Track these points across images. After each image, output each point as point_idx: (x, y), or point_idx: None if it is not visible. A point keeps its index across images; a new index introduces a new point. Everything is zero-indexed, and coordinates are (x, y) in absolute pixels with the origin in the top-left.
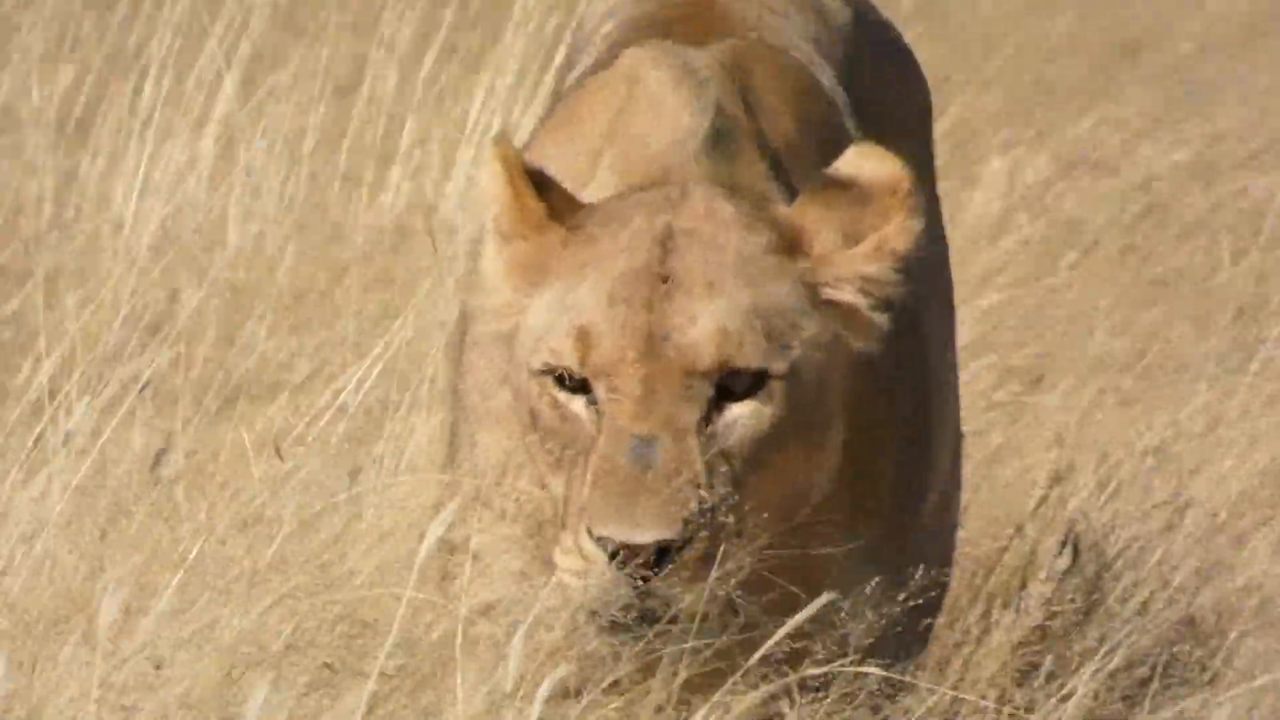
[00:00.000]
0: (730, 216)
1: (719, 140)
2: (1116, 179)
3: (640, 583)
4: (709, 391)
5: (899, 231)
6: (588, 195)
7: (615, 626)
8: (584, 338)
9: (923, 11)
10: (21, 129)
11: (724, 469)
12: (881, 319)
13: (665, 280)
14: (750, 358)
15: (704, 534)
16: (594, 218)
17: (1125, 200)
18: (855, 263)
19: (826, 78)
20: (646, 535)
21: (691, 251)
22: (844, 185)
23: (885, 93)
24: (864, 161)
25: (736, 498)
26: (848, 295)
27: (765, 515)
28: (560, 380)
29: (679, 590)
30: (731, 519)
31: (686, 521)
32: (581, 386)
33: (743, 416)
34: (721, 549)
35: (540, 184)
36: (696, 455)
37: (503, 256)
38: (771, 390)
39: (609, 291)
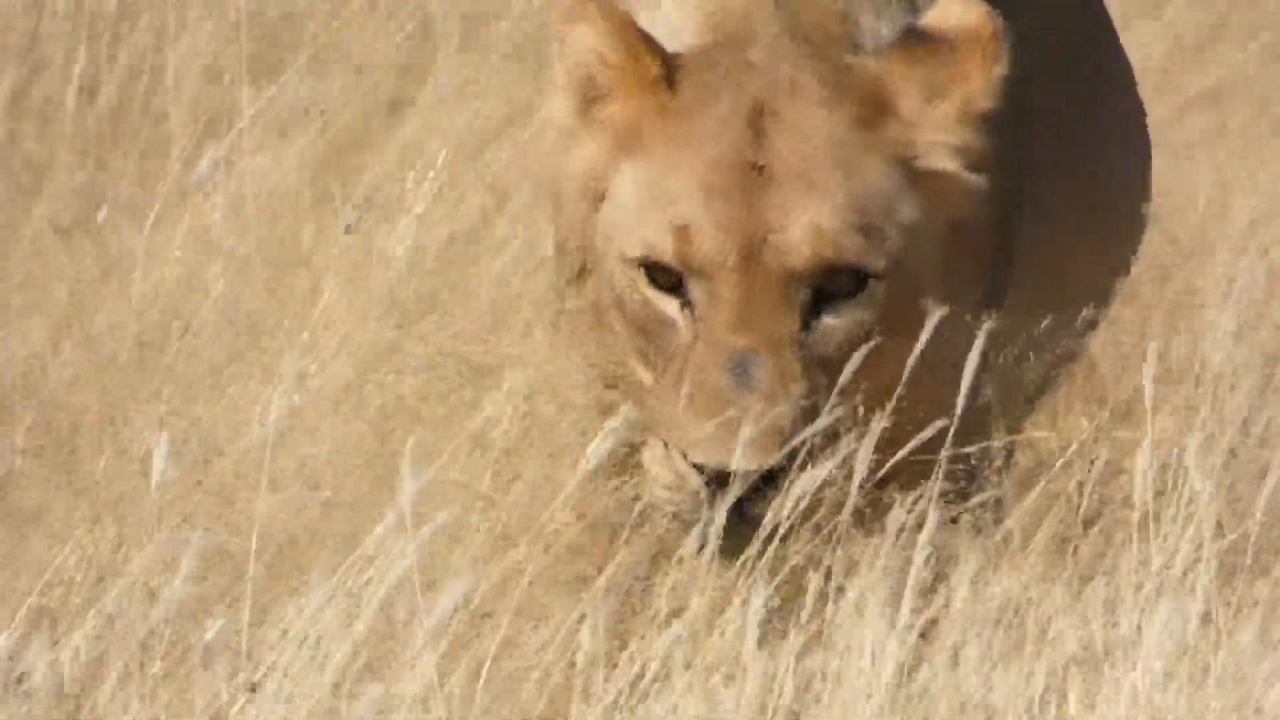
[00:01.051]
0: (815, 90)
1: None
2: None
3: (738, 508)
4: (807, 296)
5: (984, 85)
6: (654, 27)
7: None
8: (683, 235)
9: None
10: None
11: (824, 379)
12: (979, 180)
13: (760, 170)
14: (849, 256)
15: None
16: (685, 86)
17: None
18: (943, 126)
19: None
20: (747, 464)
21: (782, 137)
22: (929, 38)
23: None
24: (953, 9)
25: (839, 410)
26: (941, 161)
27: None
28: (651, 275)
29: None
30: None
31: (786, 449)
32: (675, 284)
33: (842, 322)
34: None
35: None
36: (798, 372)
37: (596, 115)
38: (872, 291)
39: (706, 182)
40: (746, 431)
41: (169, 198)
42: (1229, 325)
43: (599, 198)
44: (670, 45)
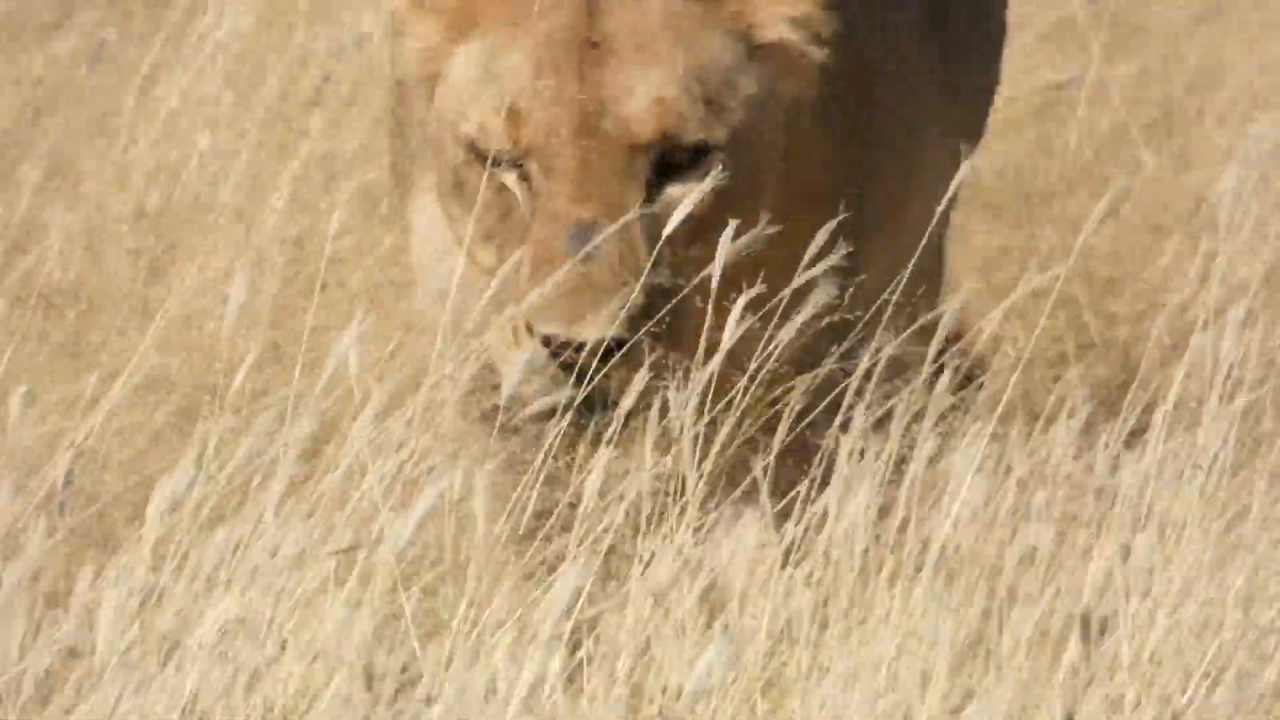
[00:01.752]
0: None
1: None
2: None
3: (581, 378)
4: (647, 168)
5: None
6: None
7: (551, 414)
8: (514, 114)
9: None
10: None
11: (666, 250)
12: (819, 54)
13: (595, 45)
14: (691, 129)
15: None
16: None
17: None
18: (777, 3)
19: None
20: (593, 333)
21: (617, 11)
22: None
23: None
24: None
25: (680, 280)
26: (783, 32)
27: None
28: (488, 153)
29: (621, 382)
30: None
31: (632, 318)
32: (514, 161)
33: (682, 193)
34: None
35: None
36: (640, 242)
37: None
38: (713, 161)
39: (536, 59)
40: (593, 299)
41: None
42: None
43: (434, 81)
44: None
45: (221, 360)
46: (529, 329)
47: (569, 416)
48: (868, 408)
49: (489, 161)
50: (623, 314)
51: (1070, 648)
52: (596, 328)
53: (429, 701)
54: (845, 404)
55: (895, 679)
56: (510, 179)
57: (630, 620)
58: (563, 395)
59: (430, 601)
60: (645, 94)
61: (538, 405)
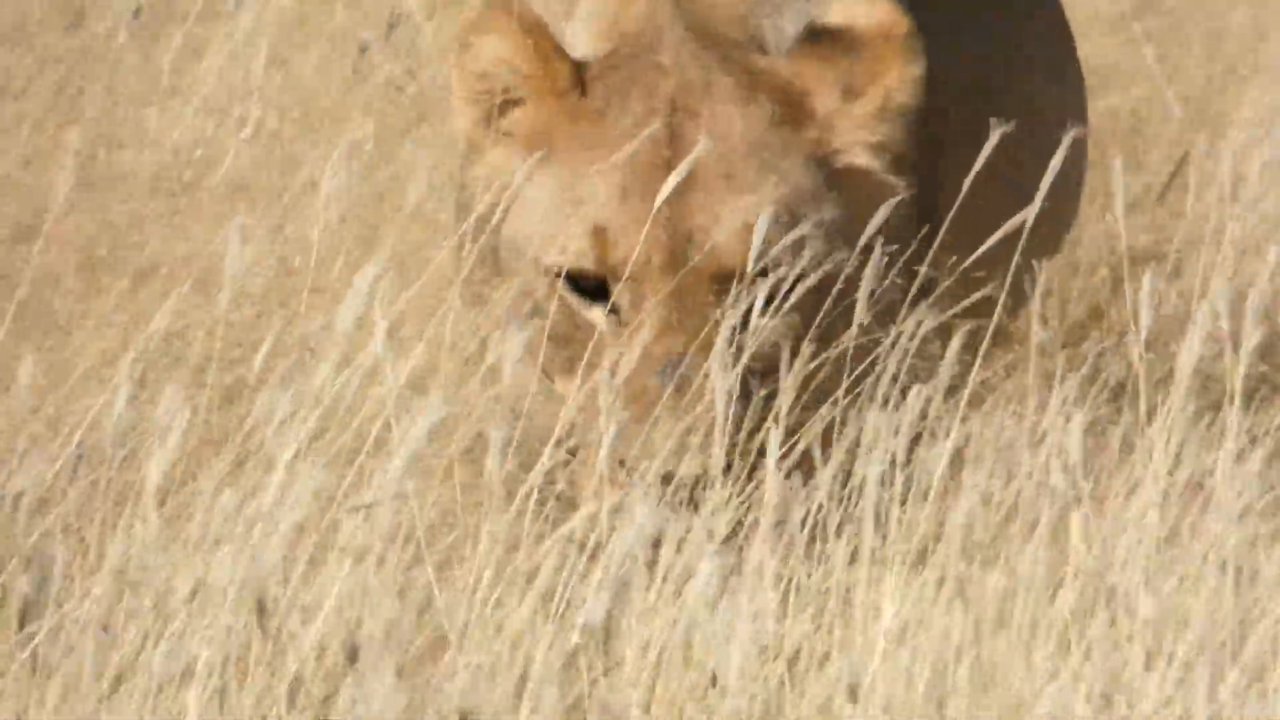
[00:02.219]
0: (728, 88)
1: None
2: None
3: (680, 510)
4: (745, 296)
5: (901, 83)
6: (567, 42)
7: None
8: (601, 237)
9: None
10: None
11: (756, 379)
12: (898, 181)
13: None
14: (776, 255)
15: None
16: (596, 90)
17: None
18: (861, 124)
19: None
20: (687, 468)
21: (698, 137)
22: (837, 35)
23: None
24: (859, 8)
25: (770, 405)
26: (861, 159)
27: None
28: (574, 282)
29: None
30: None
31: (725, 450)
32: (598, 289)
33: (772, 323)
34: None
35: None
36: (731, 372)
37: (502, 124)
38: (801, 291)
39: (622, 183)
40: (685, 432)
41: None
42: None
43: (506, 207)
44: (573, 53)
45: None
46: (622, 463)
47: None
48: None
49: (571, 288)
50: (715, 445)
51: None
52: (692, 463)
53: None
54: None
55: None
56: (596, 313)
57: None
58: (657, 525)
59: (446, 570)
60: (734, 222)
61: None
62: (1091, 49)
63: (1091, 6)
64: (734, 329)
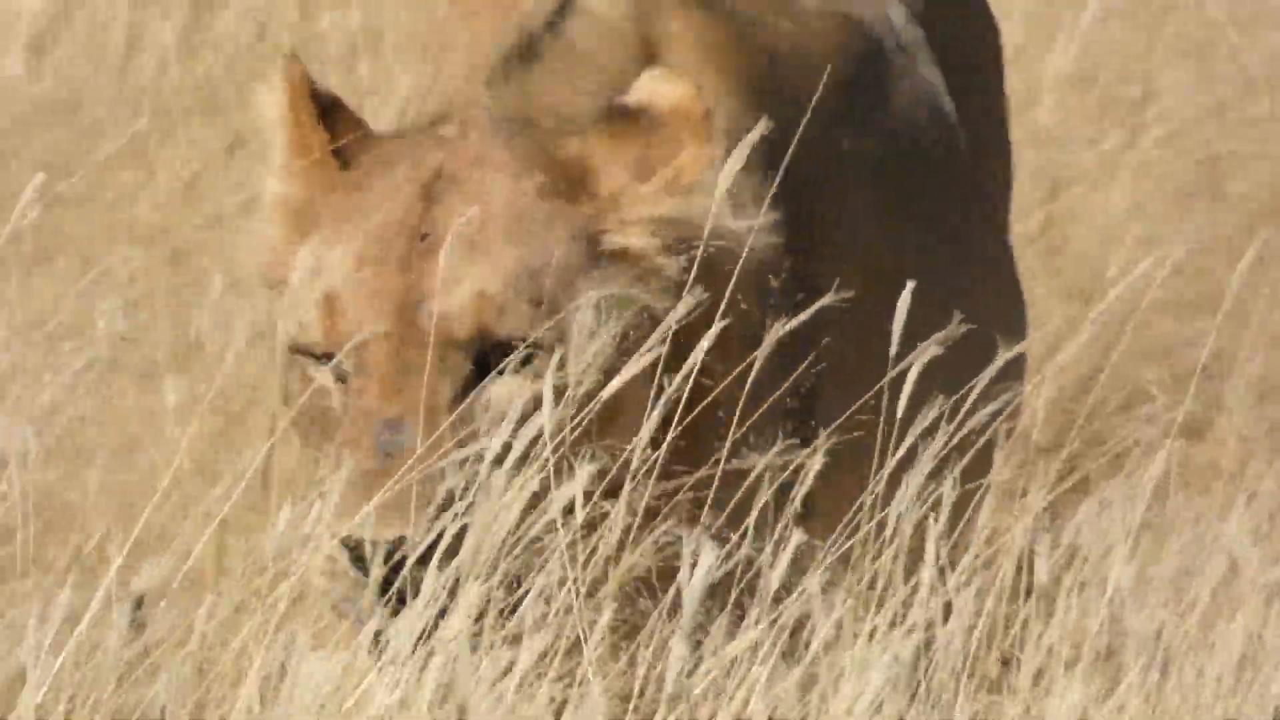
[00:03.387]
0: (504, 160)
1: (525, 59)
2: None
3: (381, 583)
4: (465, 366)
5: (693, 161)
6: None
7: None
8: (330, 306)
9: None
10: None
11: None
12: (672, 264)
13: (424, 238)
14: (513, 326)
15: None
16: (364, 161)
17: None
18: (645, 202)
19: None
20: (383, 532)
21: (455, 204)
22: (635, 115)
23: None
24: (655, 87)
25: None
26: (634, 240)
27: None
28: (314, 357)
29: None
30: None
31: (429, 517)
32: (330, 358)
33: (503, 394)
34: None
35: (332, 113)
36: (448, 440)
37: (276, 198)
38: (540, 364)
39: (360, 252)
40: (387, 496)
41: None
42: None
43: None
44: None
45: None
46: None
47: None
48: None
49: (314, 360)
50: (415, 510)
51: None
52: (389, 528)
53: None
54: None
55: None
56: (327, 378)
57: None
58: (355, 598)
59: None
60: (468, 290)
61: (339, 606)
62: None
63: None
64: (454, 398)
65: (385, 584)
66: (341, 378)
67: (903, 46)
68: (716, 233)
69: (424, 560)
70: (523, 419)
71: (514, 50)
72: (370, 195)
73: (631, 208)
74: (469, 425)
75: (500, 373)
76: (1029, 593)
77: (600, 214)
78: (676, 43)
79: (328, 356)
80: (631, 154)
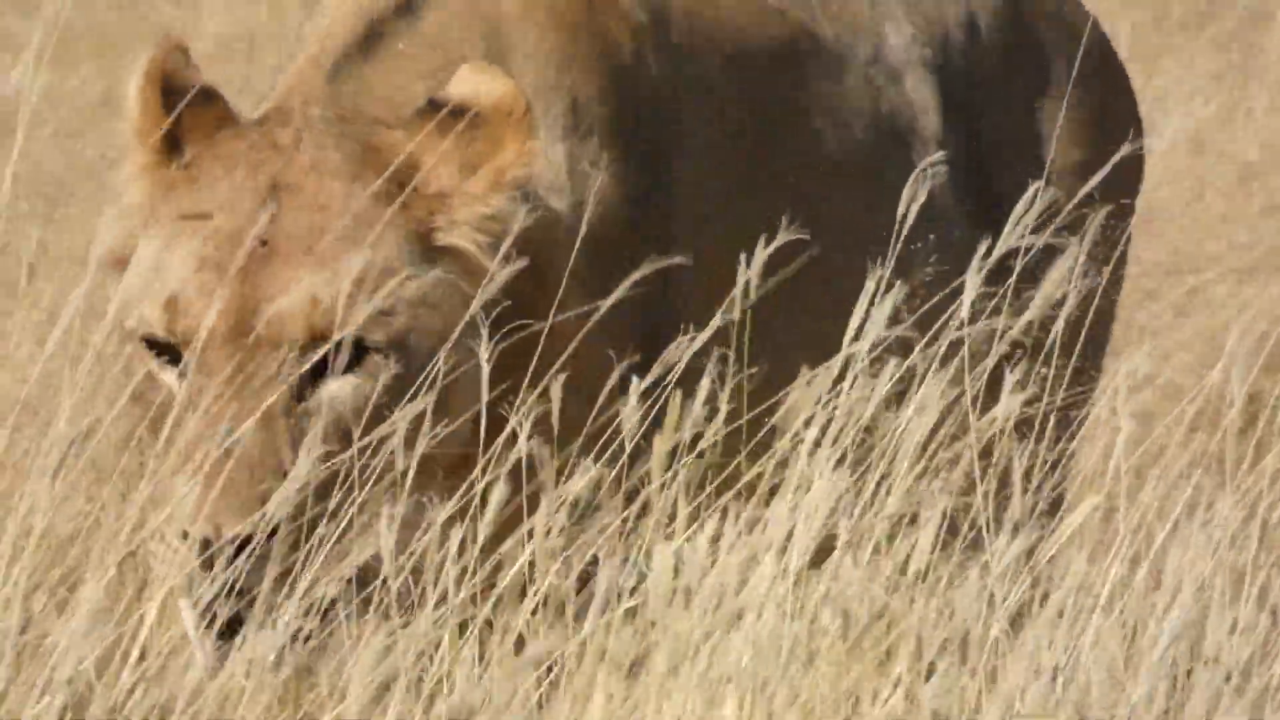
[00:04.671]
0: (337, 165)
1: (367, 47)
2: None
3: (225, 577)
4: (301, 367)
5: (516, 158)
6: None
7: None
8: (172, 306)
9: None
10: None
11: (321, 449)
12: (492, 262)
13: (264, 243)
14: (344, 328)
15: (286, 523)
16: (204, 160)
17: None
18: (472, 201)
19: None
20: (222, 530)
21: (292, 213)
22: (458, 110)
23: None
24: (476, 82)
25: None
26: (458, 239)
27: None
28: (155, 350)
29: (267, 578)
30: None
31: (264, 514)
32: (175, 356)
33: (340, 393)
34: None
35: (199, 104)
36: (283, 441)
37: (125, 187)
38: (373, 362)
39: (201, 254)
40: (225, 496)
41: None
42: None
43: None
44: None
45: None
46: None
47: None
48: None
49: (152, 354)
50: (250, 509)
51: None
52: (227, 525)
53: None
54: None
55: None
56: (169, 376)
57: None
58: (195, 592)
59: None
60: (302, 294)
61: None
62: None
63: None
64: (292, 398)
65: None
66: (183, 375)
67: (876, 58)
68: (543, 219)
69: (264, 555)
70: (357, 415)
71: (355, 42)
72: (211, 197)
73: (459, 207)
74: (304, 422)
75: (331, 372)
76: None
77: (430, 214)
78: (524, 21)
79: (168, 347)
80: (457, 151)
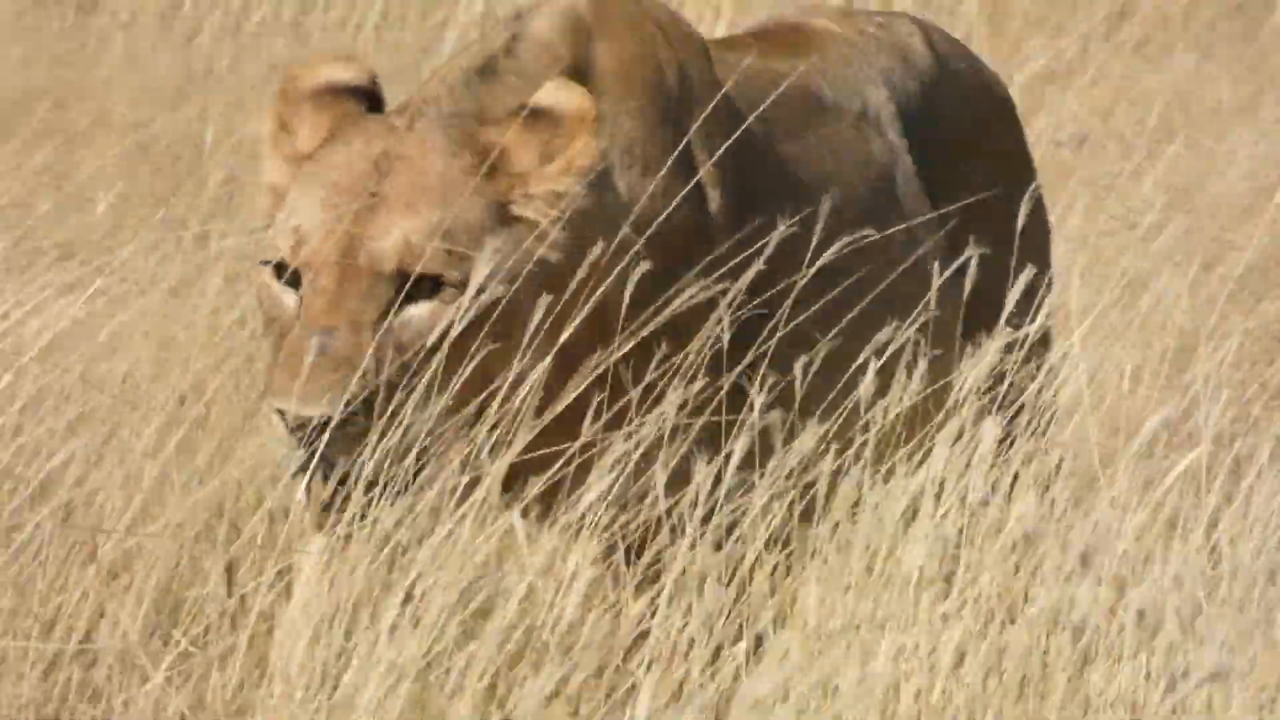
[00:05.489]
0: (439, 144)
1: (484, 73)
2: None
3: (310, 450)
4: (389, 293)
5: (583, 150)
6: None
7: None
8: (297, 234)
9: None
10: None
11: (397, 360)
12: (560, 232)
13: (373, 196)
14: (428, 266)
15: (362, 413)
16: (333, 139)
17: None
18: (545, 180)
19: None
20: (307, 410)
21: (399, 175)
22: (543, 113)
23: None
24: (559, 93)
25: (411, 383)
26: (530, 211)
27: (462, 400)
28: (278, 273)
29: (350, 457)
30: (400, 400)
31: (345, 402)
32: (293, 281)
33: (418, 315)
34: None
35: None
36: (366, 346)
37: (266, 176)
38: (447, 295)
39: (324, 199)
40: (313, 382)
41: None
42: None
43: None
44: None
45: None
46: (269, 406)
47: (304, 481)
48: None
49: (276, 277)
50: (334, 396)
51: None
52: (311, 407)
53: None
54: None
55: None
56: (289, 297)
57: None
58: (292, 461)
59: None
60: (397, 236)
61: (282, 472)
62: None
63: None
64: (379, 316)
65: (312, 455)
66: (299, 297)
67: (864, 113)
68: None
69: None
70: (433, 331)
71: (474, 68)
72: (334, 161)
73: (535, 185)
74: (387, 336)
75: (415, 299)
76: None
77: (510, 188)
78: (599, 62)
79: (293, 275)
80: (538, 142)
